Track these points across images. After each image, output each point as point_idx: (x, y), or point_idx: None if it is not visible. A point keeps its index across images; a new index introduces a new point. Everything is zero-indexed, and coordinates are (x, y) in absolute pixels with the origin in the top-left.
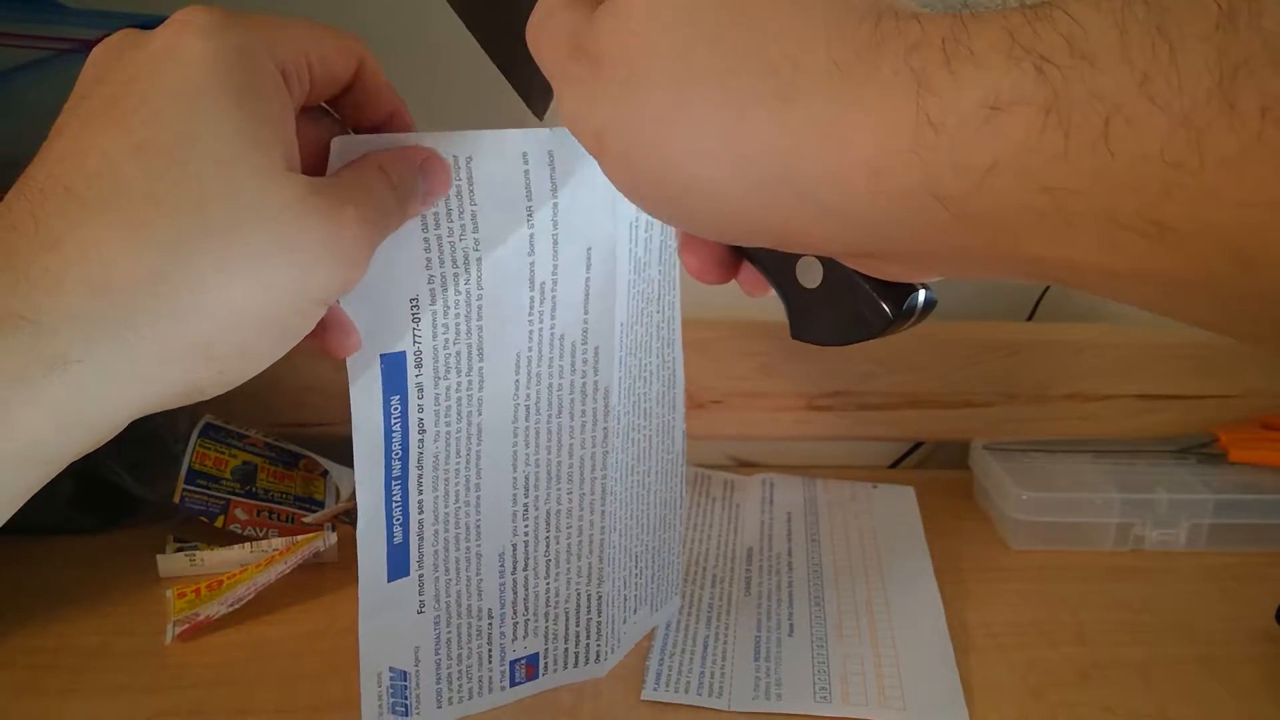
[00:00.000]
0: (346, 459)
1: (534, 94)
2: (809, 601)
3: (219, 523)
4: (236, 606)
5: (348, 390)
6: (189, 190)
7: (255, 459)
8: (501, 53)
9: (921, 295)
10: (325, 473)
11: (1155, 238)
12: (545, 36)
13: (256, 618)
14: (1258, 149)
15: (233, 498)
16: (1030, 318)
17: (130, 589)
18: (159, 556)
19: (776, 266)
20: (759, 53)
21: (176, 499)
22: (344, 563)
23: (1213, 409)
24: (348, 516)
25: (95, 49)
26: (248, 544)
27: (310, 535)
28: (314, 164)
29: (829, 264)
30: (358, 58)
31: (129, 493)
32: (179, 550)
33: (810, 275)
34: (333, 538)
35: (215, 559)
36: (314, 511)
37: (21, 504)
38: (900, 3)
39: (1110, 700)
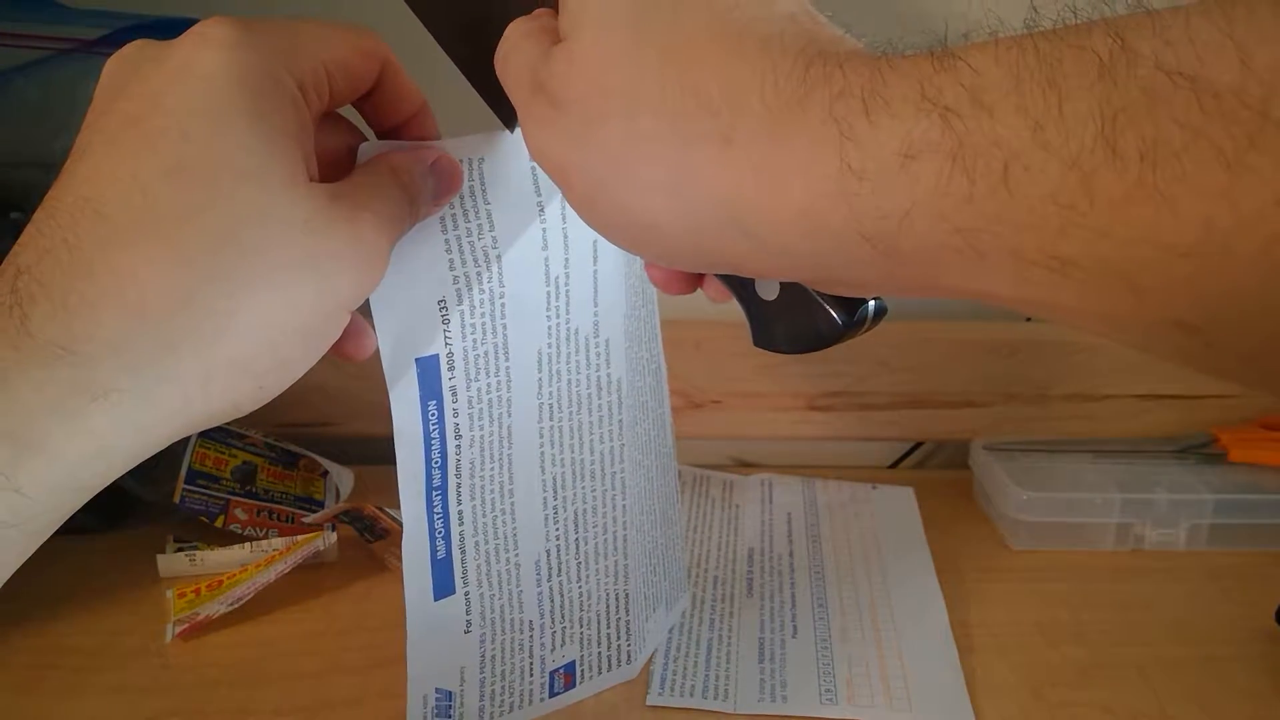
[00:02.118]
0: (346, 459)
1: (505, 113)
2: (812, 603)
3: (219, 522)
4: (236, 606)
5: (376, 397)
6: (218, 210)
7: (255, 459)
8: (472, 70)
9: (871, 305)
10: (325, 473)
11: (1059, 271)
12: (509, 70)
13: (256, 617)
14: (1139, 191)
15: (233, 497)
16: (1030, 318)
17: (130, 589)
18: (159, 556)
19: (737, 280)
20: (700, 94)
21: (176, 499)
22: (344, 563)
23: (1213, 409)
24: (347, 516)
25: (110, 60)
26: (248, 544)
27: (310, 535)
28: (330, 170)
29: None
30: (380, 61)
31: (129, 493)
32: (179, 550)
33: (768, 289)
34: (333, 537)
35: (215, 559)
36: (314, 511)
37: (59, 526)
38: (831, 42)
39: (1110, 700)
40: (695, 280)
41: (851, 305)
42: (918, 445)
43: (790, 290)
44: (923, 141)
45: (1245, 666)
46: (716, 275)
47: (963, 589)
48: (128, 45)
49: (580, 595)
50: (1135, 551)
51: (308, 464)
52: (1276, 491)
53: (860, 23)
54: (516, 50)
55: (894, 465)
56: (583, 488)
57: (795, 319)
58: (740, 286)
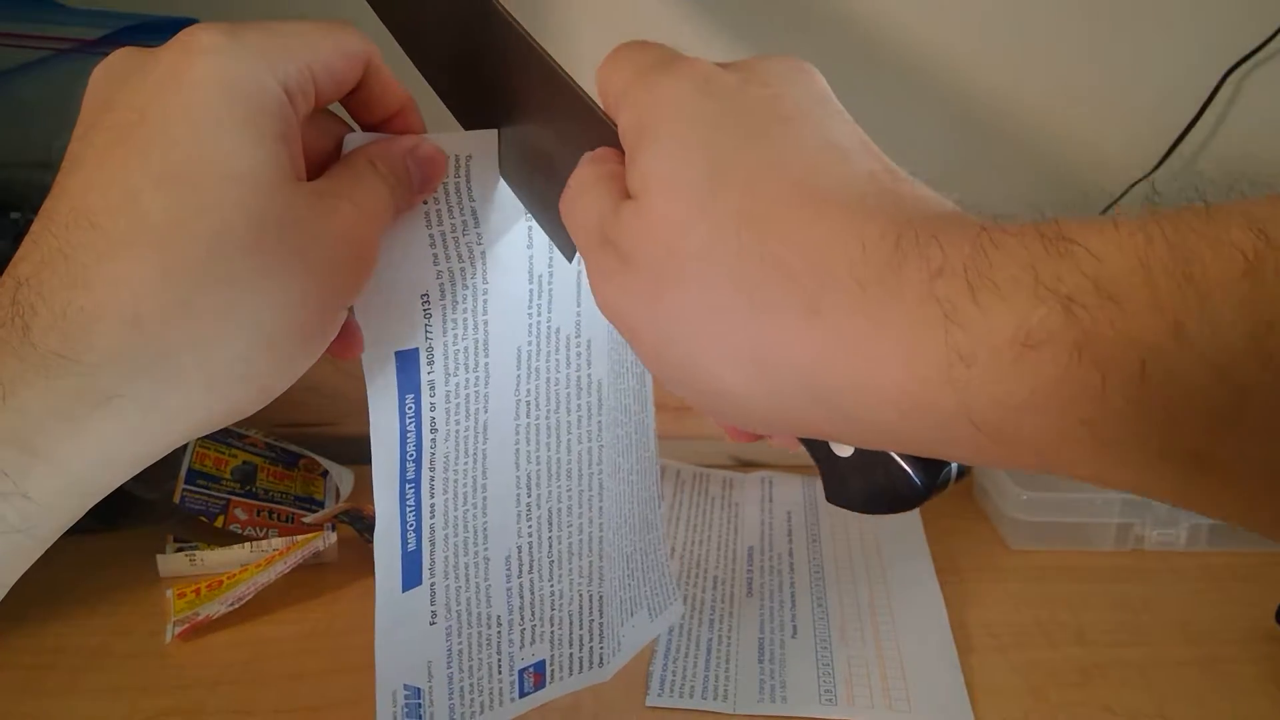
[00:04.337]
0: (346, 459)
1: (564, 244)
2: (811, 602)
3: (219, 522)
4: (236, 606)
5: (366, 392)
6: (208, 216)
7: (255, 459)
8: (531, 197)
9: (955, 467)
10: (325, 473)
11: (1197, 468)
12: (577, 217)
13: (256, 617)
14: None
15: (233, 498)
16: None
17: (130, 589)
18: (159, 556)
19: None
20: (782, 261)
21: (176, 499)
22: (344, 562)
23: None
24: (347, 516)
25: (96, 70)
26: (248, 544)
27: (310, 535)
28: (320, 167)
29: None
30: (364, 60)
31: (129, 493)
32: (179, 550)
33: (844, 446)
34: (332, 537)
35: (215, 559)
36: (314, 511)
37: (62, 533)
38: (919, 204)
39: (1110, 700)
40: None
41: (933, 467)
42: None
43: (867, 449)
44: (1042, 331)
45: (1245, 666)
46: None
47: (962, 589)
48: (113, 54)
49: (552, 594)
50: (1135, 551)
51: (308, 464)
52: None
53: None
54: (584, 196)
55: None
56: (558, 486)
57: (872, 479)
58: (812, 442)
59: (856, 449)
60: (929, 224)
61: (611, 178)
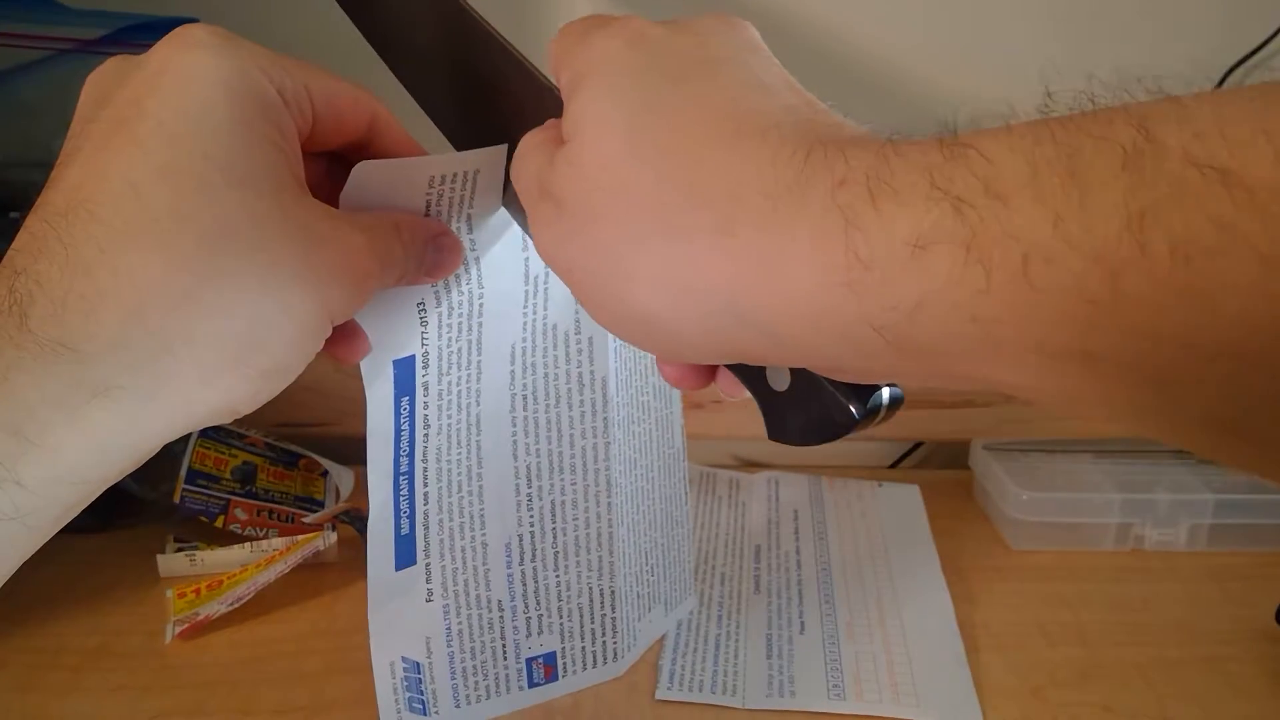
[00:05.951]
0: (346, 459)
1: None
2: (819, 599)
3: (219, 522)
4: (236, 606)
5: (364, 395)
6: (214, 211)
7: (255, 459)
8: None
9: (886, 393)
10: (325, 473)
11: (1082, 363)
12: (521, 178)
13: (256, 617)
14: (1168, 289)
15: (233, 498)
16: None
17: (130, 589)
18: (159, 556)
19: (748, 372)
20: (697, 187)
21: (177, 499)
22: (344, 562)
23: None
24: (347, 516)
25: (90, 76)
26: (248, 544)
27: (310, 535)
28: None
29: (796, 369)
30: (369, 111)
31: (129, 492)
32: (179, 550)
33: (779, 379)
34: (332, 537)
35: (215, 559)
36: (314, 511)
37: (62, 525)
38: (831, 128)
39: (1110, 700)
40: (708, 375)
41: (865, 394)
42: (918, 445)
43: (802, 380)
44: (934, 231)
45: (1245, 666)
46: (728, 368)
47: (963, 589)
48: (106, 61)
49: (559, 585)
50: (1135, 551)
51: (308, 464)
52: (1276, 491)
53: (872, 110)
54: (525, 157)
55: (894, 465)
56: (561, 480)
57: (809, 410)
58: (751, 379)
59: (791, 383)
60: (839, 142)
61: (552, 140)
